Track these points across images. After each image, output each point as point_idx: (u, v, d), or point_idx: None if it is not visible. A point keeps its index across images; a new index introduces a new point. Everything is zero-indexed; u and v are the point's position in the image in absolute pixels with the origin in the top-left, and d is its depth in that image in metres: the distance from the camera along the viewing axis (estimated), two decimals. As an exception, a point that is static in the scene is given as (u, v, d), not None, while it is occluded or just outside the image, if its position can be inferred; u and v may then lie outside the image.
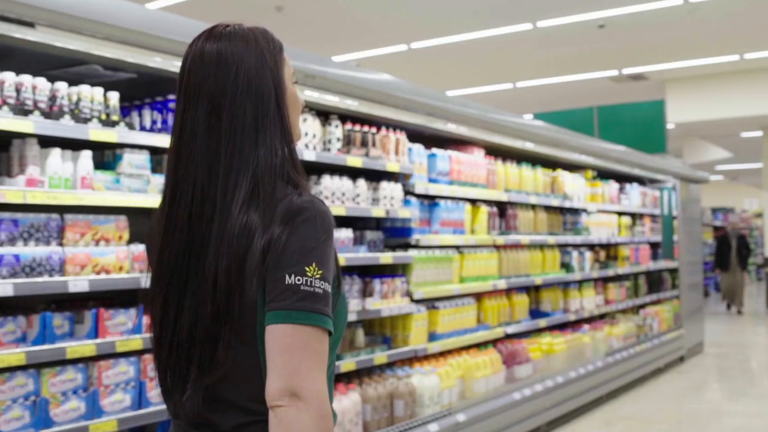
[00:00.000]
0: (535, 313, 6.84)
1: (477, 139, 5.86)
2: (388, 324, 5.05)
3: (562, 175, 7.21)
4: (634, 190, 8.97)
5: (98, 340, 3.11)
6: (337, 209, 4.37)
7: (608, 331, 7.67)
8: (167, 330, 1.44)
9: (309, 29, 11.06)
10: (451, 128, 5.34)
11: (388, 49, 12.26)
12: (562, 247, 7.38)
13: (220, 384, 1.41)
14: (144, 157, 3.33)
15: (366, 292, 4.71)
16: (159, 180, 3.38)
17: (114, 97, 3.30)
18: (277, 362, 1.31)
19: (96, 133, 3.11)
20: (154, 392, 3.31)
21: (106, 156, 3.35)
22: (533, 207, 6.75)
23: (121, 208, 3.32)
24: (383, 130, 4.87)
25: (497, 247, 6.07)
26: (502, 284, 5.93)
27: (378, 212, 4.67)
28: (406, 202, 5.03)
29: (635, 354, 7.89)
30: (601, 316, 8.20)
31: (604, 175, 8.57)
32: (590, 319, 7.80)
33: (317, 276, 1.35)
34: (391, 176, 5.00)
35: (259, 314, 1.37)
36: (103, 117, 3.20)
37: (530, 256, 6.54)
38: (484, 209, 5.83)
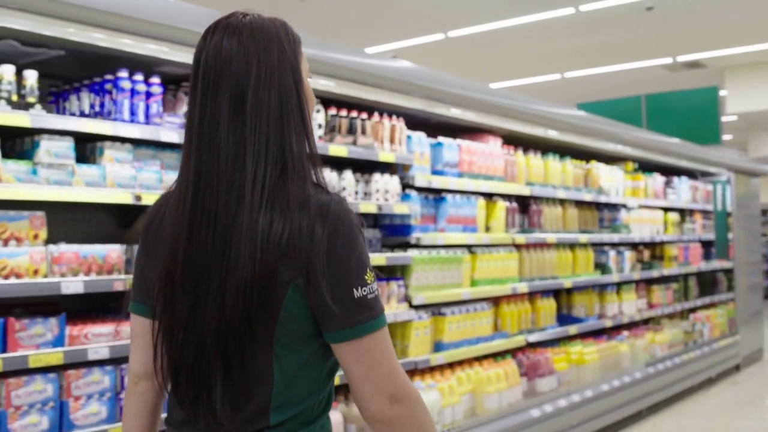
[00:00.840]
0: (565, 318, 6.23)
1: (494, 128, 5.30)
2: (386, 332, 4.54)
3: (596, 167, 6.58)
4: (682, 184, 8.24)
5: (5, 355, 2.69)
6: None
7: (651, 338, 6.99)
8: (190, 332, 1.36)
9: (337, 21, 10.62)
10: (455, 114, 4.79)
11: (424, 39, 11.72)
12: (597, 247, 6.74)
13: (245, 386, 1.37)
14: (66, 145, 2.91)
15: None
16: (88, 171, 2.96)
17: (31, 76, 2.88)
18: (371, 375, 1.34)
19: (2, 116, 2.70)
20: (79, 413, 2.88)
21: (25, 144, 2.94)
22: (562, 202, 6.15)
23: (39, 203, 2.90)
24: (376, 116, 4.36)
25: (517, 247, 5.50)
26: (523, 287, 5.36)
27: (368, 207, 4.17)
28: (405, 197, 4.52)
29: (681, 363, 7.19)
30: (645, 322, 7.52)
31: (647, 167, 7.88)
32: (630, 325, 7.14)
33: (372, 280, 1.37)
34: (386, 168, 4.49)
35: (285, 316, 1.33)
36: (15, 98, 2.79)
37: (558, 257, 5.94)
38: (501, 204, 5.27)
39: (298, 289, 1.33)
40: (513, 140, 5.70)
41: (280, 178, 1.35)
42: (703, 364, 7.68)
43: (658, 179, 7.74)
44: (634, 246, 7.44)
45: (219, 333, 1.33)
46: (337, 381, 1.56)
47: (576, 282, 6.05)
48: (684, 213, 8.37)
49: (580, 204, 6.50)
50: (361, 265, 1.35)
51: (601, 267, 6.65)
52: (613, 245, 6.98)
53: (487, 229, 5.24)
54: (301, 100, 1.42)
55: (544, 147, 6.09)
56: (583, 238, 6.17)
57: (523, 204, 5.72)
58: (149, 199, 3.14)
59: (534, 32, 11.10)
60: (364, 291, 1.34)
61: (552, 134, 5.73)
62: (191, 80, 1.43)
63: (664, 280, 7.77)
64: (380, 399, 1.34)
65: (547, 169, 5.90)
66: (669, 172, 8.34)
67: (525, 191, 5.48)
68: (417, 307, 4.51)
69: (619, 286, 6.88)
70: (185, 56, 3.32)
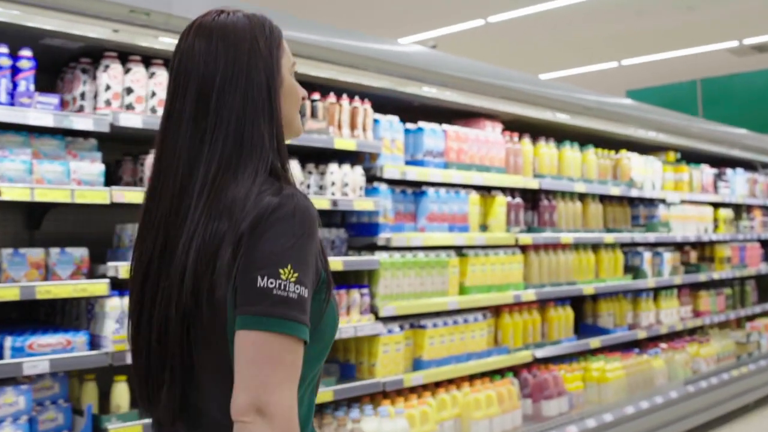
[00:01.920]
0: (589, 330, 5.49)
1: (491, 111, 4.62)
2: (352, 348, 3.93)
3: (626, 157, 5.78)
4: (737, 176, 7.31)
5: None
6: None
7: (695, 350, 6.14)
8: (142, 332, 1.37)
9: (371, 11, 10.03)
10: (428, 92, 4.12)
11: (462, 26, 11.00)
12: (629, 247, 5.95)
13: (194, 392, 1.34)
14: None
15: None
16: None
17: None
18: (245, 374, 1.22)
19: None
20: None
21: None
22: (582, 197, 5.40)
23: None
24: (331, 97, 3.75)
25: (523, 248, 4.79)
26: (529, 295, 4.65)
27: (320, 204, 3.56)
28: (372, 191, 3.89)
29: (731, 380, 6.30)
30: (691, 332, 6.66)
31: (695, 158, 7.01)
32: (671, 337, 6.31)
33: (292, 279, 1.25)
34: (346, 157, 3.88)
35: (229, 316, 1.28)
36: None
37: (577, 259, 5.19)
38: (501, 199, 4.57)
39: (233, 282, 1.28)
40: (523, 126, 5.00)
41: (231, 179, 1.32)
42: (759, 380, 6.75)
43: (707, 171, 6.86)
44: (678, 246, 6.59)
45: (161, 336, 1.33)
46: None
47: (599, 288, 5.29)
48: (740, 209, 7.44)
49: (606, 199, 5.73)
50: (279, 257, 1.24)
51: (634, 270, 5.85)
52: (649, 246, 6.16)
53: (484, 228, 4.55)
54: (272, 97, 1.38)
55: (560, 134, 5.36)
56: (609, 237, 5.40)
57: (534, 199, 5.00)
58: (12, 193, 2.62)
59: (582, 15, 10.26)
60: (271, 283, 1.23)
61: (562, 118, 4.98)
62: (168, 75, 1.42)
63: (714, 284, 6.89)
64: (243, 405, 1.21)
65: (563, 158, 5.16)
66: (722, 163, 7.43)
67: (532, 184, 4.76)
68: (386, 319, 3.88)
69: (656, 291, 6.07)
70: (84, 28, 2.80)
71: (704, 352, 6.17)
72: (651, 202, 6.11)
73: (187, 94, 1.36)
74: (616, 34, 11.24)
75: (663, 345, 5.87)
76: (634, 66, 13.01)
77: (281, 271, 1.24)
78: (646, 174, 5.95)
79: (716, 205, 7.02)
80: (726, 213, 7.09)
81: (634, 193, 5.71)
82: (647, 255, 5.88)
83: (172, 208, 1.34)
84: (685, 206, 6.40)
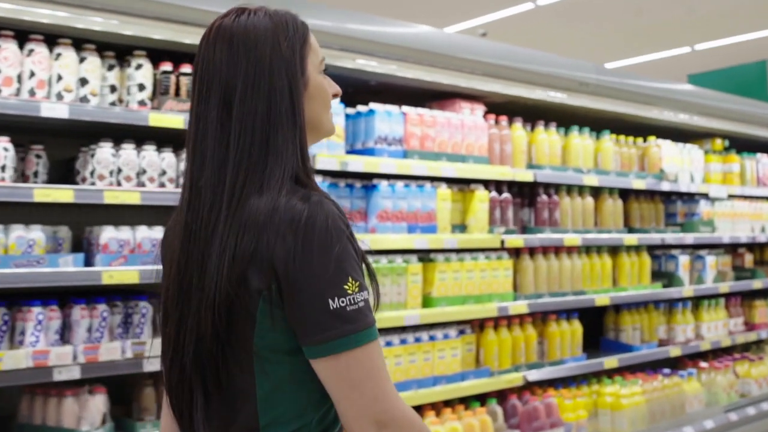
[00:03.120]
0: (609, 346, 4.74)
1: (469, 91, 3.94)
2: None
3: (656, 144, 4.96)
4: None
5: None
6: (128, 195, 2.77)
7: (744, 370, 5.25)
8: (176, 350, 1.34)
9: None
10: (369, 67, 3.47)
11: (511, 11, 10.24)
12: (661, 250, 5.13)
13: (226, 411, 1.33)
14: None
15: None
16: None
17: None
18: (353, 397, 1.23)
19: None
20: None
21: None
22: (597, 192, 4.63)
23: None
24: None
25: (513, 252, 4.09)
26: (520, 307, 3.95)
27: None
28: (306, 185, 3.28)
29: (791, 406, 5.36)
30: (745, 348, 5.74)
31: (747, 146, 6.09)
32: (717, 353, 5.43)
33: (356, 289, 1.25)
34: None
35: (261, 328, 1.27)
36: None
37: (588, 264, 4.44)
38: (481, 194, 3.89)
39: (267, 299, 1.26)
40: (529, 110, 4.30)
41: (256, 188, 1.29)
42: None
43: (765, 161, 5.91)
44: (729, 249, 5.70)
45: (195, 353, 1.31)
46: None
47: (618, 298, 4.51)
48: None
49: (632, 194, 4.94)
50: (338, 274, 1.23)
51: (667, 277, 5.03)
52: (687, 248, 5.31)
53: (463, 228, 3.88)
54: (295, 102, 1.34)
55: (573, 118, 4.62)
56: (631, 239, 4.61)
57: (532, 194, 4.28)
58: None
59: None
60: (342, 302, 1.23)
61: (558, 98, 4.22)
62: (192, 77, 1.40)
63: (773, 292, 5.95)
64: (364, 424, 1.23)
65: (569, 147, 4.41)
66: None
67: (525, 176, 4.05)
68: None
69: (696, 301, 5.22)
70: None
71: (756, 372, 5.26)
72: (691, 198, 5.26)
73: (210, 100, 1.34)
74: (680, 18, 10.23)
75: (703, 364, 5.01)
76: (712, 50, 11.90)
77: (346, 287, 1.23)
78: (682, 164, 5.11)
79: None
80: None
81: (665, 186, 4.88)
82: (684, 259, 5.04)
83: (203, 222, 1.31)
84: (735, 201, 5.51)
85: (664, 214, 5.16)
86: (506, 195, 4.04)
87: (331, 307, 1.22)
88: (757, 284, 5.58)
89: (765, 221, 5.77)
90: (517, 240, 3.96)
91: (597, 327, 4.92)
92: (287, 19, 1.38)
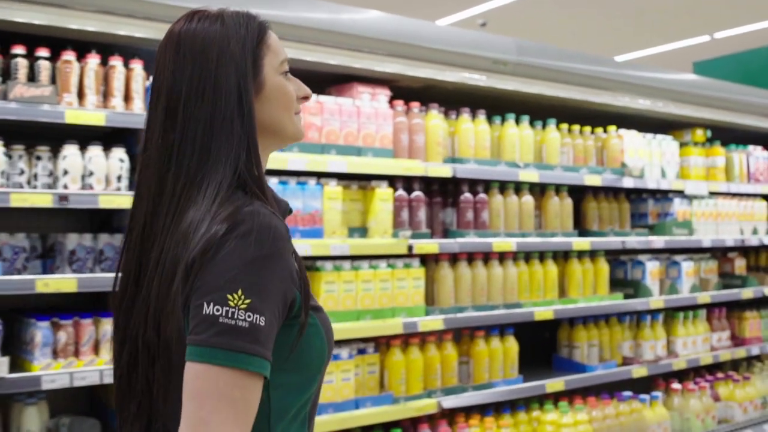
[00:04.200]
0: (561, 365, 4.17)
1: (374, 73, 3.41)
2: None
3: (617, 135, 4.36)
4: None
5: None
6: None
7: (727, 392, 4.60)
8: (117, 366, 1.31)
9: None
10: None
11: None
12: (626, 255, 4.53)
13: (159, 426, 1.26)
14: None
15: (15, 345, 2.63)
16: None
17: None
18: (187, 409, 1.13)
19: None
20: None
21: None
22: (543, 189, 4.06)
23: None
24: (69, 54, 2.71)
25: (426, 258, 3.55)
26: (433, 323, 3.41)
27: (38, 200, 2.54)
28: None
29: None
30: (734, 367, 5.08)
31: (738, 138, 5.43)
32: (701, 372, 4.79)
33: (242, 306, 1.14)
34: (94, 136, 2.83)
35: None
36: None
37: (527, 272, 3.87)
38: (383, 193, 3.36)
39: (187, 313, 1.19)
40: (464, 98, 3.75)
41: (193, 198, 1.23)
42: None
43: (759, 155, 5.24)
44: (722, 253, 5.05)
45: (131, 371, 1.27)
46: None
47: (563, 311, 3.93)
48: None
49: (588, 192, 4.35)
50: (228, 281, 1.14)
51: (633, 286, 4.42)
52: (664, 252, 4.70)
53: (363, 231, 3.36)
54: (244, 104, 1.27)
55: (509, 105, 4.05)
56: (582, 243, 4.02)
57: (456, 192, 3.74)
58: None
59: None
60: (217, 310, 1.13)
61: (476, 79, 3.65)
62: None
63: (765, 303, 5.26)
64: None
65: (504, 137, 3.85)
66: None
67: (441, 171, 3.51)
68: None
69: (671, 313, 4.60)
70: None
71: (741, 394, 4.60)
72: (665, 196, 4.64)
73: (158, 108, 1.29)
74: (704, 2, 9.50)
75: (675, 385, 4.38)
76: (732, 39, 11.10)
77: (229, 297, 1.13)
78: (650, 158, 4.49)
79: (773, 199, 5.41)
80: (791, 208, 5.43)
81: (627, 183, 4.28)
82: (652, 265, 4.42)
83: (145, 230, 1.27)
84: (719, 200, 4.86)
85: (629, 214, 4.55)
86: (417, 193, 3.50)
87: (204, 311, 1.13)
88: (746, 293, 4.92)
89: (757, 222, 5.10)
90: (429, 245, 3.42)
91: (551, 344, 4.35)
92: (241, 20, 1.32)
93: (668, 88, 4.58)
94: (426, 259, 3.58)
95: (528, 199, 3.91)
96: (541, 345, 4.38)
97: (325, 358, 1.30)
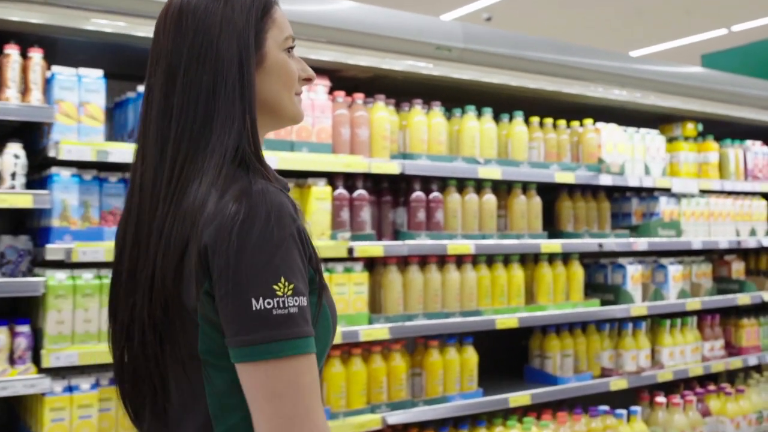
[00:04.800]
0: (532, 376, 3.88)
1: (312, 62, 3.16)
2: (28, 409, 2.67)
3: (594, 129, 4.06)
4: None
5: None
6: None
7: (718, 406, 4.26)
8: (123, 351, 1.27)
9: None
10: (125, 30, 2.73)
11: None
12: (607, 258, 4.22)
13: (172, 415, 1.25)
14: None
15: None
16: None
17: None
18: (268, 411, 1.11)
19: None
20: None
21: None
22: (509, 187, 3.78)
23: None
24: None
25: (377, 262, 3.30)
26: (376, 332, 3.16)
27: None
28: (50, 180, 2.61)
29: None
30: (731, 377, 4.74)
31: (736, 133, 5.08)
32: (691, 385, 4.45)
33: (289, 293, 1.12)
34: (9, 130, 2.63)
35: (202, 329, 1.17)
36: None
37: (490, 277, 3.59)
38: (320, 191, 3.11)
39: (208, 296, 1.15)
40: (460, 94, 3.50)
41: (197, 169, 1.19)
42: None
43: (758, 150, 4.88)
44: (719, 255, 4.72)
45: (143, 354, 1.22)
46: None
47: (529, 319, 3.65)
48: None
49: (562, 190, 4.06)
50: (269, 271, 1.11)
51: (613, 291, 4.11)
52: (650, 255, 4.38)
53: (299, 233, 3.11)
54: (245, 75, 1.23)
55: (468, 96, 3.78)
56: (552, 245, 3.73)
57: (406, 190, 3.47)
58: None
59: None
60: (268, 303, 1.10)
61: (421, 67, 3.37)
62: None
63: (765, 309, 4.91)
64: None
65: (463, 131, 3.57)
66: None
67: (387, 168, 3.24)
68: (60, 371, 2.58)
69: (656, 320, 4.28)
70: None
71: (734, 408, 4.26)
72: (651, 194, 4.32)
73: (157, 72, 1.26)
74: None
75: (660, 399, 4.06)
76: (750, 32, 10.65)
77: (276, 287, 1.11)
78: (632, 153, 4.18)
79: (774, 198, 5.06)
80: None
81: (604, 180, 3.97)
82: (633, 269, 4.11)
83: (143, 198, 1.23)
84: (712, 198, 4.53)
85: (610, 214, 4.24)
86: (360, 192, 3.25)
87: (254, 308, 1.10)
88: (743, 299, 4.58)
89: (756, 222, 4.76)
90: (372, 248, 3.16)
91: (525, 353, 4.07)
92: None
93: (645, 78, 4.26)
94: (374, 264, 3.32)
95: (490, 198, 3.63)
96: (518, 355, 4.10)
97: (331, 336, 1.28)
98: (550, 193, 4.01)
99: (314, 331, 1.17)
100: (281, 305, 1.11)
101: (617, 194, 4.39)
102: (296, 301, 1.12)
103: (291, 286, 1.12)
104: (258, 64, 1.27)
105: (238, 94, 1.23)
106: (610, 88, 4.02)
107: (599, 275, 4.21)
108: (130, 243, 1.24)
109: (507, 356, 4.10)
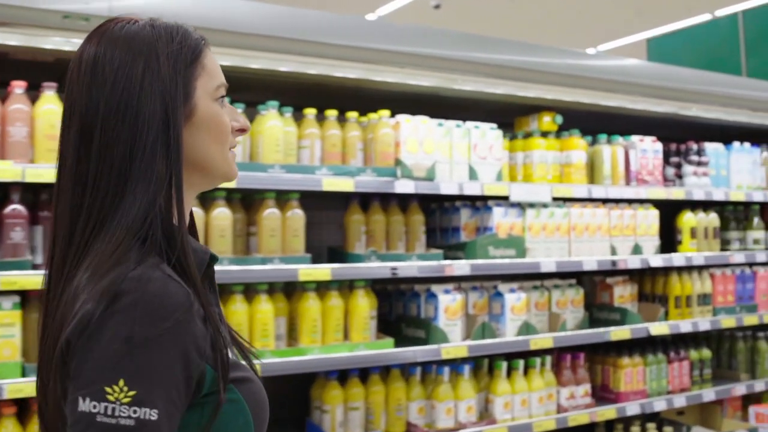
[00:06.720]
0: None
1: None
2: None
3: (391, 123, 3.22)
4: (738, 155, 4.28)
5: None
6: None
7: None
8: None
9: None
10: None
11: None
12: (421, 285, 3.39)
13: None
14: None
15: None
16: None
17: None
18: None
19: None
20: None
21: None
22: (269, 199, 2.99)
23: None
24: None
25: (25, 298, 2.55)
26: (22, 388, 2.40)
27: None
28: None
29: None
30: (609, 429, 3.82)
31: (624, 129, 4.18)
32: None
33: (125, 400, 0.96)
34: None
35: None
36: None
37: (226, 313, 2.79)
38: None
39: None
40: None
41: (94, 253, 1.05)
42: None
43: (647, 147, 3.94)
44: (603, 275, 3.83)
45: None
46: None
47: (278, 365, 2.84)
48: (734, 212, 4.38)
49: (353, 199, 3.24)
50: (106, 370, 0.96)
51: (424, 327, 3.27)
52: (470, 280, 3.53)
53: None
54: (171, 132, 1.09)
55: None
56: (315, 272, 2.91)
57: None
58: None
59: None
60: (93, 407, 0.95)
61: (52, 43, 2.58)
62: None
63: (683, 343, 3.99)
64: None
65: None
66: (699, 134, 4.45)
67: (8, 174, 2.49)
68: None
69: (489, 363, 3.42)
70: None
71: (588, 474, 3.36)
72: (485, 204, 3.47)
73: (71, 131, 1.10)
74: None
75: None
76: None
77: (108, 389, 0.95)
78: (450, 153, 3.33)
79: (679, 205, 4.12)
80: (701, 219, 4.11)
81: (402, 188, 3.13)
82: (448, 299, 3.26)
83: (52, 273, 1.11)
84: (575, 209, 3.64)
85: (434, 228, 3.40)
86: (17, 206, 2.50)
87: (80, 408, 0.95)
88: (619, 333, 3.66)
89: (641, 237, 3.84)
90: (28, 280, 2.41)
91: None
92: (174, 32, 1.13)
93: (502, 65, 3.39)
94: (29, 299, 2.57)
95: (222, 213, 2.84)
96: (303, 404, 3.30)
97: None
98: (341, 204, 3.19)
99: (218, 427, 1.04)
100: (108, 412, 0.94)
101: (447, 203, 3.54)
102: (134, 412, 0.95)
103: (131, 393, 0.95)
104: (186, 118, 1.12)
105: (162, 154, 1.08)
106: (417, 73, 3.18)
107: (412, 306, 3.38)
108: (43, 315, 1.12)
109: (292, 404, 3.31)
